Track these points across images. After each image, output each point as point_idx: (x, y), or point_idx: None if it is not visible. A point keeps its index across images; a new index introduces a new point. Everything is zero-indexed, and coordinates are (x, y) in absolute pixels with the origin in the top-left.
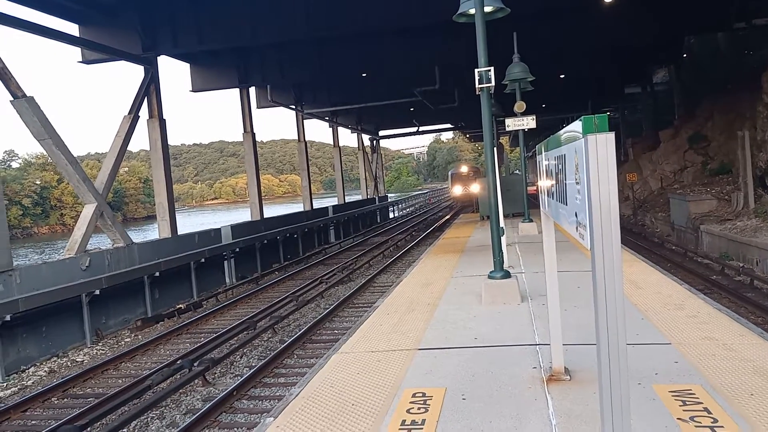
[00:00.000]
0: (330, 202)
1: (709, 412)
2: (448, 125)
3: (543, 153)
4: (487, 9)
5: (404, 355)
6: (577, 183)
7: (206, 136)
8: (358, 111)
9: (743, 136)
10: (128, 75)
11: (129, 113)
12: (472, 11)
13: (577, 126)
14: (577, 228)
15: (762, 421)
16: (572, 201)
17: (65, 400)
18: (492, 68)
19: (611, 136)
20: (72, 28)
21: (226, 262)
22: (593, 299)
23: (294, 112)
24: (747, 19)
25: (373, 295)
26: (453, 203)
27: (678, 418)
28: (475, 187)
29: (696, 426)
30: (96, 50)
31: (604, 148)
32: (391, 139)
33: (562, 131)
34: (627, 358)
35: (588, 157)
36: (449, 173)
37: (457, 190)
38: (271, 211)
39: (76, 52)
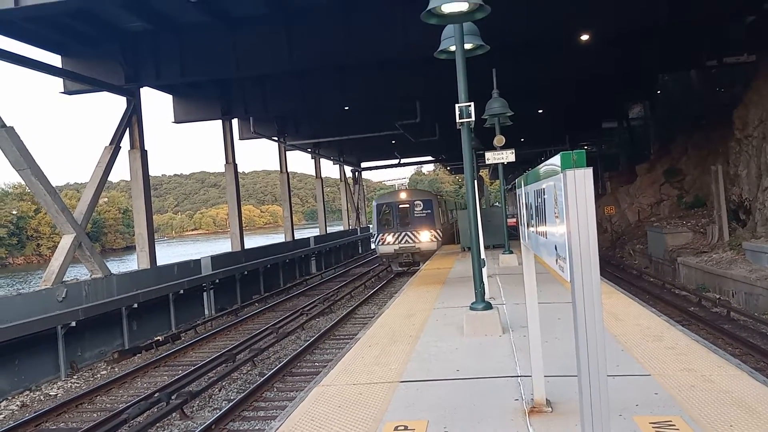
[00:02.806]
0: (312, 232)
1: None
2: (429, 157)
3: (523, 186)
4: (468, 46)
5: (386, 388)
6: (557, 216)
7: (187, 166)
8: (340, 143)
9: (716, 171)
10: (110, 105)
11: (110, 144)
12: (453, 48)
13: (556, 161)
14: (557, 260)
15: None
16: (552, 234)
17: None
18: (472, 103)
19: (589, 171)
20: (54, 59)
21: (205, 294)
22: (573, 331)
23: (276, 144)
24: (718, 57)
25: (355, 327)
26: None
27: None
28: (426, 235)
29: None
30: (78, 81)
31: (582, 182)
32: (373, 171)
33: (541, 165)
34: (608, 389)
35: (567, 192)
36: (374, 205)
37: (388, 243)
38: (252, 241)
39: (58, 82)
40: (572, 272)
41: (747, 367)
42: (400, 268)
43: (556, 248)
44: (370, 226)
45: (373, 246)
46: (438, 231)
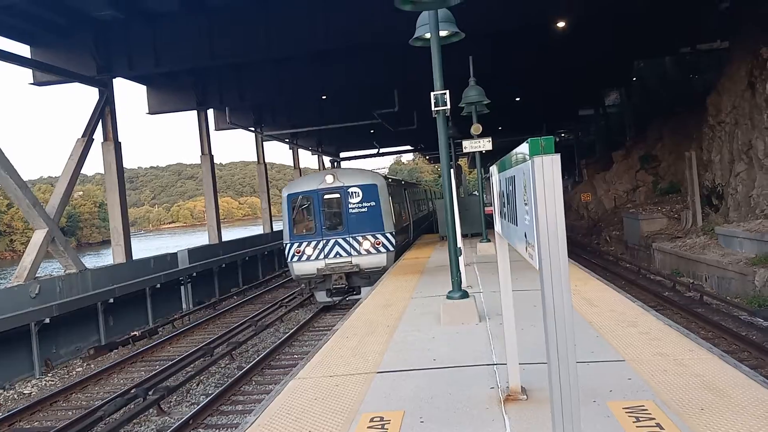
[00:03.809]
0: None
1: (661, 428)
2: (408, 147)
3: (495, 174)
4: (443, 33)
5: (363, 379)
6: (526, 204)
7: (163, 158)
8: (319, 133)
9: (690, 157)
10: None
11: (83, 136)
12: (428, 35)
13: (524, 148)
14: (526, 248)
15: None
16: (522, 222)
17: None
18: (447, 91)
19: (557, 157)
20: (23, 49)
21: (182, 287)
22: (542, 318)
23: (253, 134)
24: (692, 44)
25: (334, 318)
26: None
27: None
28: (369, 243)
29: None
30: (48, 72)
31: (550, 169)
32: (352, 161)
33: (511, 153)
34: (577, 376)
35: (535, 178)
36: (284, 197)
37: (307, 258)
38: (230, 234)
39: (27, 73)
40: (540, 259)
41: (718, 350)
42: (328, 299)
43: (525, 236)
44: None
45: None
46: (390, 235)
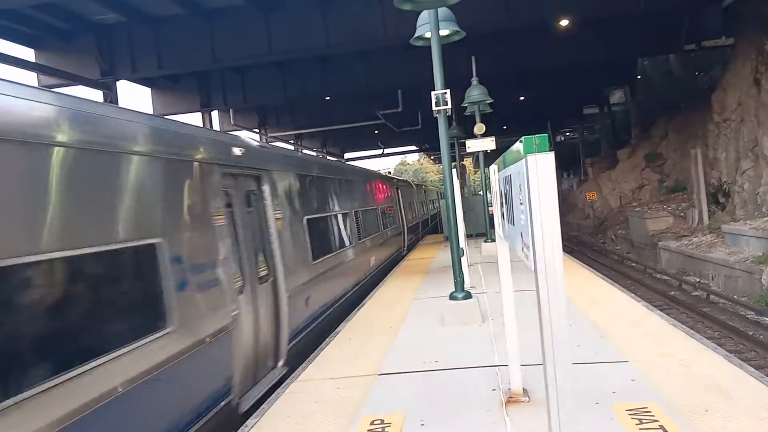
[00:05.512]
0: None
1: (665, 430)
2: (413, 147)
3: (495, 174)
4: (443, 32)
5: (364, 381)
6: (521, 203)
7: None
8: (323, 134)
9: (696, 155)
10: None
11: None
12: (429, 35)
13: (519, 146)
14: (522, 248)
15: None
16: (518, 221)
17: None
18: (448, 91)
19: (551, 155)
20: (27, 53)
21: None
22: (538, 320)
23: (258, 136)
24: (696, 41)
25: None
26: None
27: None
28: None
29: None
30: (53, 75)
31: (544, 167)
32: (356, 162)
33: (508, 151)
34: (573, 377)
35: (529, 177)
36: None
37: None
38: None
39: (32, 77)
40: (535, 259)
41: (724, 351)
42: None
43: (521, 235)
44: None
45: None
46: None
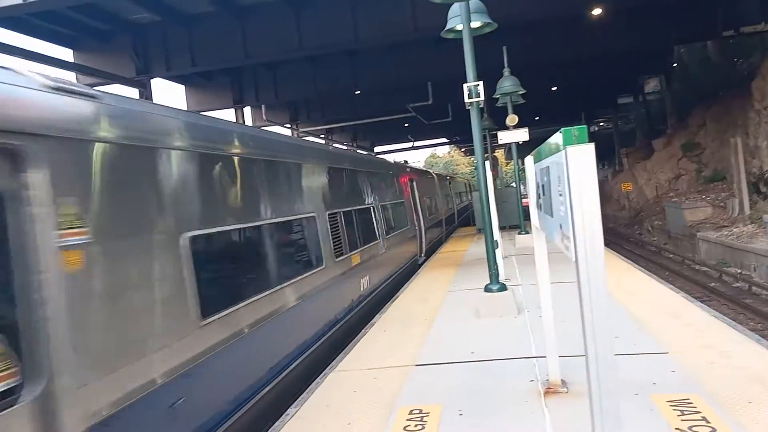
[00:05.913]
0: None
1: (708, 421)
2: (444, 139)
3: (531, 165)
4: (475, 24)
5: (401, 372)
6: (560, 195)
7: None
8: (353, 128)
9: (736, 143)
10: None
11: None
12: (460, 27)
13: (558, 138)
14: (562, 239)
15: (760, 429)
16: (557, 213)
17: None
18: (481, 83)
19: (591, 147)
20: (66, 53)
21: None
22: (579, 311)
23: (289, 131)
24: (735, 26)
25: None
26: None
27: (676, 428)
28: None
29: None
30: (90, 75)
31: (584, 159)
32: (387, 155)
33: (545, 143)
34: (616, 368)
35: (569, 169)
36: None
37: None
38: None
39: (70, 76)
40: (576, 251)
41: (767, 342)
42: None
43: (561, 227)
44: None
45: None
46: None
